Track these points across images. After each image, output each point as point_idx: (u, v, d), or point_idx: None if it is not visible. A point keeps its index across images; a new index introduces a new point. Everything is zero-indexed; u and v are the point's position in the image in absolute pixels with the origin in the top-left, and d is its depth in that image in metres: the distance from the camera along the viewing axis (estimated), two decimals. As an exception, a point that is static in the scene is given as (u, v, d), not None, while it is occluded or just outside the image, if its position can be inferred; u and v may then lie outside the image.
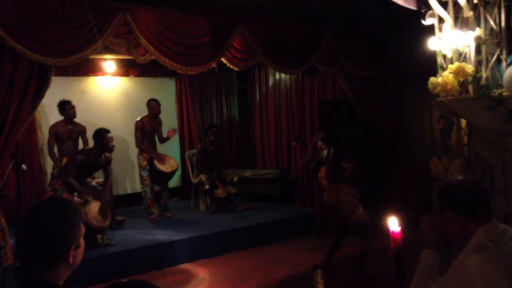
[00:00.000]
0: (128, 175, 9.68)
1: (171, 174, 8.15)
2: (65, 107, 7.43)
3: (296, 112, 9.67)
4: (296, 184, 9.49)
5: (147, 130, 8.06)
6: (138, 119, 8.07)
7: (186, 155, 9.80)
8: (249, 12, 6.60)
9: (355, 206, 5.60)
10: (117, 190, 9.24)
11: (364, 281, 5.47)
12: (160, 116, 8.31)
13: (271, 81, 10.32)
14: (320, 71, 8.18)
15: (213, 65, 6.66)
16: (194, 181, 8.84)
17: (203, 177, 8.54)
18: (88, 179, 6.89)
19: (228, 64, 6.89)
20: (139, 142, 8.01)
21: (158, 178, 8.06)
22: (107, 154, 6.56)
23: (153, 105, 8.12)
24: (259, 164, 10.61)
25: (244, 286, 5.62)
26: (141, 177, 8.07)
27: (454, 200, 2.14)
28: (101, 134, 6.39)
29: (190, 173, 9.33)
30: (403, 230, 2.47)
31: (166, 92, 10.16)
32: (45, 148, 8.01)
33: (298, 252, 6.82)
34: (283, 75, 9.82)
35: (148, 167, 7.96)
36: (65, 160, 7.12)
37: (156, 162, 7.89)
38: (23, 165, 6.05)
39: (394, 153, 8.17)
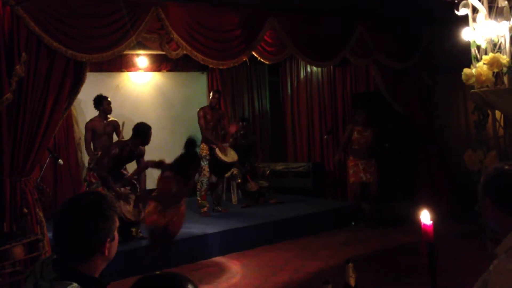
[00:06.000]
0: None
1: (231, 165, 8.21)
2: (103, 102, 7.51)
3: (328, 105, 9.60)
4: (328, 178, 9.45)
5: (209, 119, 8.15)
6: (199, 108, 8.20)
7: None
8: (280, 6, 6.60)
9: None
10: (153, 184, 9.33)
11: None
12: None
13: (302, 74, 10.27)
14: (352, 63, 8.13)
15: (244, 59, 6.70)
16: (226, 174, 8.88)
17: (235, 170, 8.58)
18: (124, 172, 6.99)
19: (259, 58, 6.91)
20: (203, 130, 8.09)
21: (217, 168, 8.08)
22: (141, 147, 6.62)
23: (212, 96, 8.29)
24: (291, 157, 10.59)
25: (276, 279, 5.64)
26: (200, 167, 8.13)
27: (495, 191, 2.07)
28: (146, 130, 6.38)
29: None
30: (435, 223, 2.45)
31: (198, 86, 10.24)
32: (82, 142, 8.13)
33: (330, 246, 6.81)
34: (314, 68, 9.76)
35: (208, 157, 8.03)
36: (99, 153, 7.23)
37: (218, 152, 7.94)
38: (59, 160, 6.16)
39: (427, 146, 8.06)
